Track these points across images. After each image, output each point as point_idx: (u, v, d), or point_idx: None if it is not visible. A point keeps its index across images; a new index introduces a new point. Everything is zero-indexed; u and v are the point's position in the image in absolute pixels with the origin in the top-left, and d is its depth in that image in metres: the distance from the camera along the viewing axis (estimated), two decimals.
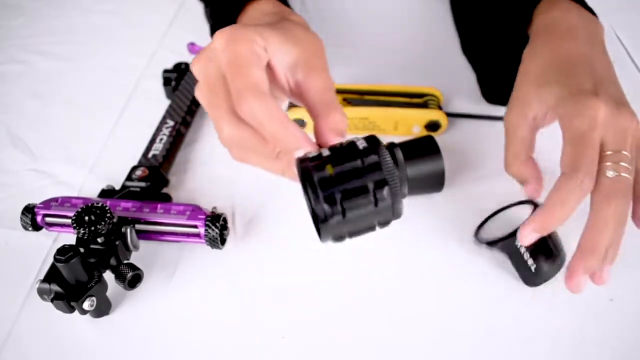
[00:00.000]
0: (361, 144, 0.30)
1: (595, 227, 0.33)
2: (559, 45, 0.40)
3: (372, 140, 0.30)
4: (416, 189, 0.42)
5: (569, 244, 0.40)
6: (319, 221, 0.29)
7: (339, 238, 0.30)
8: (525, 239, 0.35)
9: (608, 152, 0.34)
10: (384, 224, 0.30)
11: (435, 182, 0.42)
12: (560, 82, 0.38)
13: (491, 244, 0.39)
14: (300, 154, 0.31)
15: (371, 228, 0.30)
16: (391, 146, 0.36)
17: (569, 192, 0.33)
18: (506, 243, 0.38)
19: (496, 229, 0.42)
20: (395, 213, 0.30)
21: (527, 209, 0.40)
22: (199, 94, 0.34)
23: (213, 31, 0.49)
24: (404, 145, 0.39)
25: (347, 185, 0.28)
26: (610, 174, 0.33)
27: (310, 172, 0.29)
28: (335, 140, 0.32)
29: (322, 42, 0.38)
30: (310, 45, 0.36)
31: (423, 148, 0.41)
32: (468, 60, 0.60)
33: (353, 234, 0.30)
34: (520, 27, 0.46)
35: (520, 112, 0.40)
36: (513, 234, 0.37)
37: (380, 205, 0.29)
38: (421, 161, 0.40)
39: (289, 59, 0.34)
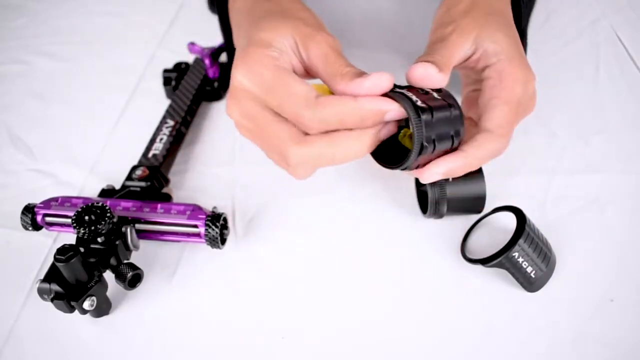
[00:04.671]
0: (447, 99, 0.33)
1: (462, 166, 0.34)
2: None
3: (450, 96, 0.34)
4: (455, 210, 0.42)
5: (562, 248, 0.41)
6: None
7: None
8: (432, 176, 0.33)
9: None
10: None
11: (474, 205, 0.42)
12: (506, 33, 0.36)
13: (485, 262, 0.38)
14: (390, 115, 0.31)
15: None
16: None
17: (492, 152, 0.34)
18: (502, 261, 0.37)
19: (482, 239, 0.42)
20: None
21: (508, 214, 0.40)
22: (249, 135, 0.33)
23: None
24: None
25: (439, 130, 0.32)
26: None
27: (419, 109, 0.31)
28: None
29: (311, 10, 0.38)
30: (303, 14, 0.36)
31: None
32: None
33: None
34: None
35: (462, 35, 0.36)
36: (506, 249, 0.37)
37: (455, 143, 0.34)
38: (464, 184, 0.41)
39: (290, 44, 0.34)
